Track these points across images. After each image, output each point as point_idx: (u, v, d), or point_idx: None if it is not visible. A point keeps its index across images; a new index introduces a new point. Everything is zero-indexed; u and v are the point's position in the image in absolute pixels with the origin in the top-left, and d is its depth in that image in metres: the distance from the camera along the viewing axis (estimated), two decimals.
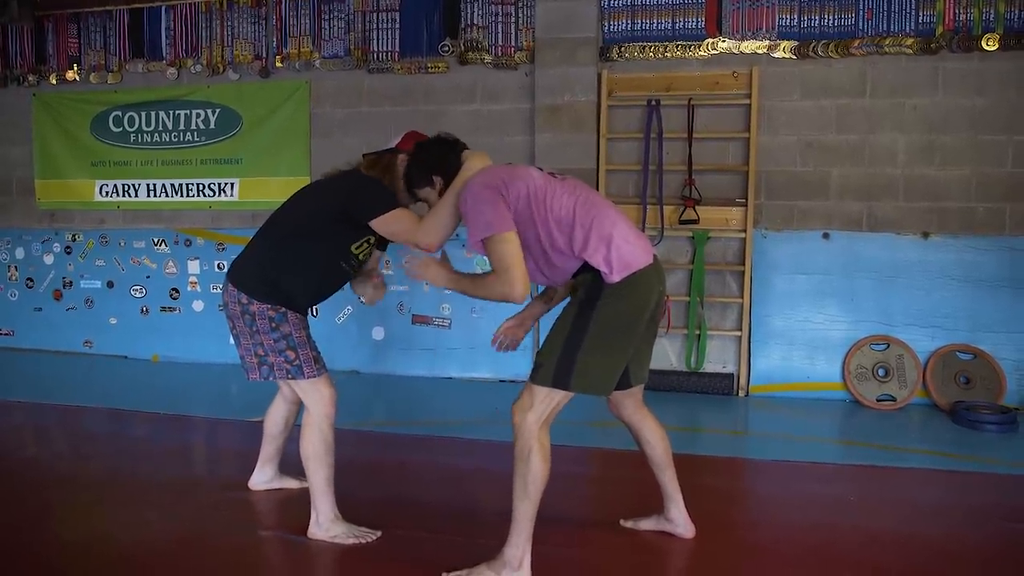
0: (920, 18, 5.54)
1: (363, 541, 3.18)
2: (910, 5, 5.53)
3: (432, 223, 3.02)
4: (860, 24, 5.61)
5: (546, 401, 2.74)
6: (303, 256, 3.20)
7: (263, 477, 3.78)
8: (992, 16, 5.43)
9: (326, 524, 3.22)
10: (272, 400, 3.70)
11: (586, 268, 2.77)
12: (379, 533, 3.23)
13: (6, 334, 7.63)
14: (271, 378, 3.23)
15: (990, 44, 5.43)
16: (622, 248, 2.72)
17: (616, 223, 2.78)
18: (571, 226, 2.75)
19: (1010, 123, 5.49)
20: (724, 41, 5.83)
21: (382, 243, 3.44)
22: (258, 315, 3.16)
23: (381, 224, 3.12)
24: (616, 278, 2.71)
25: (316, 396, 3.22)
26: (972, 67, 5.51)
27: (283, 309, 3.17)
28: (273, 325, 3.16)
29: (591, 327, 2.72)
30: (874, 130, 5.67)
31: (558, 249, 2.78)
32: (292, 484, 3.78)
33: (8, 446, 4.83)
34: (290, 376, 3.19)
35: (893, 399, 5.59)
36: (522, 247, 2.76)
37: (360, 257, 3.32)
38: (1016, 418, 5.10)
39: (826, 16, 5.66)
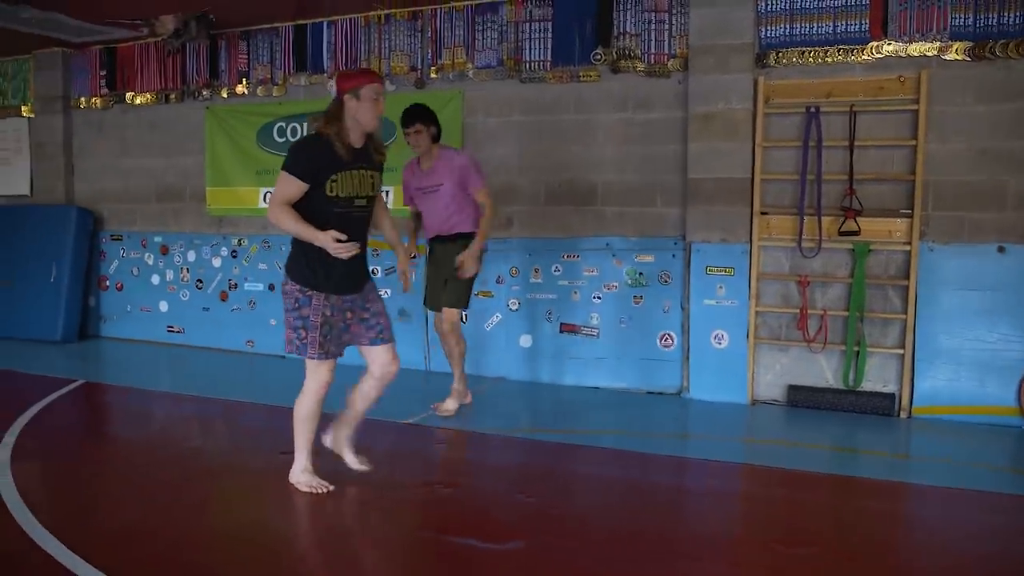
0: None
1: (319, 491, 3.83)
2: None
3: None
4: None
5: None
6: (313, 221, 3.64)
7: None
8: None
9: (298, 472, 3.90)
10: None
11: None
12: (333, 487, 3.84)
13: (177, 331, 8.15)
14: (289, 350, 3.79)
15: None
16: None
17: None
18: None
19: None
20: (890, 44, 5.56)
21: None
22: (287, 294, 3.75)
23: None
24: None
25: (314, 376, 3.78)
26: None
27: (309, 292, 3.67)
28: (296, 304, 3.70)
29: None
30: None
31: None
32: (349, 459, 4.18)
33: (176, 436, 5.19)
34: (297, 352, 3.74)
35: None
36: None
37: (346, 194, 3.67)
38: None
39: (1005, 13, 5.29)
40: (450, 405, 5.48)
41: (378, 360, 3.94)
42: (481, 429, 5.03)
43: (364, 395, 4.03)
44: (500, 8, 6.60)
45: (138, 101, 8.21)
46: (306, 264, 3.70)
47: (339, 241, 3.51)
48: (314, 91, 7.37)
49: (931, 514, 3.94)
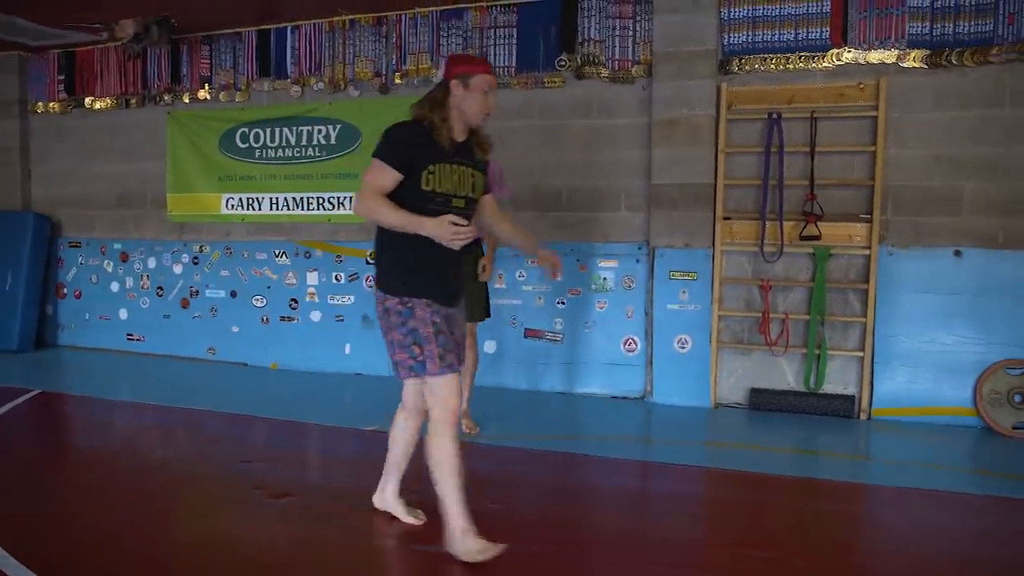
0: None
1: (488, 556, 3.04)
2: None
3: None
4: (1000, 30, 5.32)
5: None
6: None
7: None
8: None
9: (459, 539, 3.08)
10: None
11: None
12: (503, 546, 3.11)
13: (137, 339, 8.02)
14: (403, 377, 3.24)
15: None
16: None
17: None
18: None
19: None
20: (850, 51, 5.64)
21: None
22: (387, 312, 3.17)
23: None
24: None
25: (442, 400, 3.12)
26: None
27: (411, 303, 3.13)
28: (400, 320, 3.14)
29: None
30: (1012, 142, 5.37)
31: None
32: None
33: (136, 446, 5.09)
34: (414, 374, 3.16)
35: None
36: None
37: (443, 190, 3.15)
38: None
39: (961, 23, 5.40)
40: (465, 424, 5.08)
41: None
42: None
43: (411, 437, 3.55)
44: (465, 14, 6.61)
45: (98, 106, 8.09)
46: (404, 270, 3.17)
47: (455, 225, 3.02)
48: (277, 96, 7.32)
49: (890, 515, 3.97)
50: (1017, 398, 5.32)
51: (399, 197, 3.09)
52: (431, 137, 3.14)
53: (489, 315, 5.17)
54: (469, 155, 3.27)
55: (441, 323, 3.16)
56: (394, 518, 3.58)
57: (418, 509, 3.56)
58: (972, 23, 5.40)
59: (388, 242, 3.22)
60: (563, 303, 6.37)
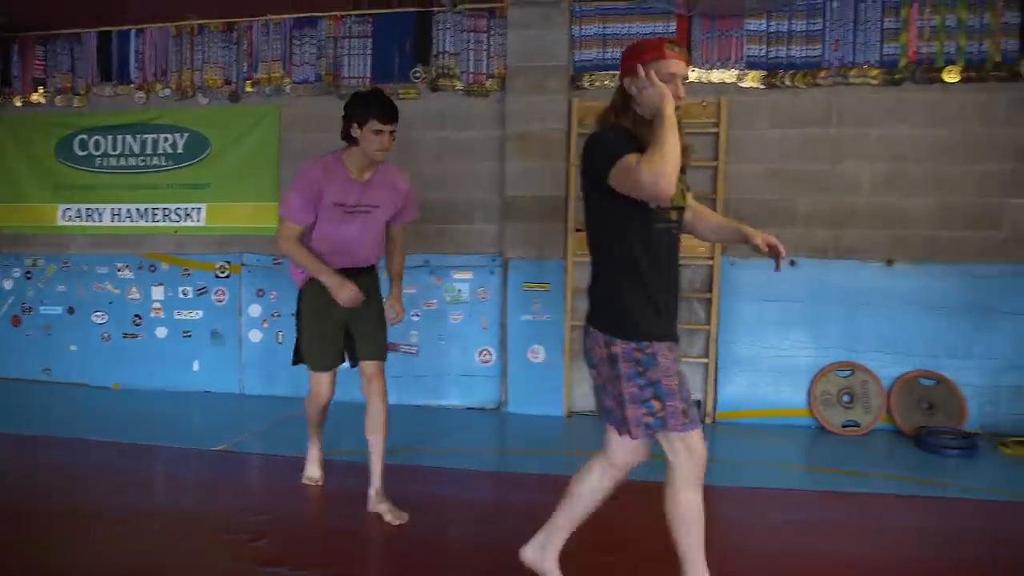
0: (884, 50, 5.65)
1: None
2: (875, 37, 5.64)
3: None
4: (826, 55, 5.71)
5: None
6: (612, 246, 2.72)
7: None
8: (954, 49, 5.55)
9: None
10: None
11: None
12: None
13: None
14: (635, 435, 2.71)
15: (951, 76, 5.55)
16: None
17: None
18: None
19: (971, 153, 5.59)
20: (694, 71, 5.90)
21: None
22: (615, 359, 2.67)
23: (614, 182, 2.59)
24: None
25: (688, 457, 2.68)
26: (934, 98, 5.61)
27: (651, 348, 2.63)
28: (638, 369, 2.65)
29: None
30: (840, 159, 5.74)
31: None
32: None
33: None
34: (650, 433, 2.69)
35: (858, 425, 5.60)
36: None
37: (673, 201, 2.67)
38: (976, 443, 5.15)
39: (793, 47, 5.76)
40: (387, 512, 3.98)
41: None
42: (299, 453, 4.85)
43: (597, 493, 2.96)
44: (319, 23, 6.52)
45: None
46: (637, 302, 2.66)
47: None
48: (120, 102, 6.99)
49: (732, 514, 4.10)
50: (846, 398, 5.65)
51: (622, 217, 2.64)
52: (636, 143, 2.61)
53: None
54: None
55: (681, 371, 2.69)
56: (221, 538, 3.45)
57: None
58: (803, 48, 5.76)
59: (618, 269, 2.70)
60: (418, 315, 6.34)
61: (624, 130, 2.66)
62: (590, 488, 2.93)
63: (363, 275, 3.91)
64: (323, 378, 4.08)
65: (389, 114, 3.60)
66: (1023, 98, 5.51)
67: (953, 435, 5.22)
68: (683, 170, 2.74)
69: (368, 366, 4.03)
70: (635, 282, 2.65)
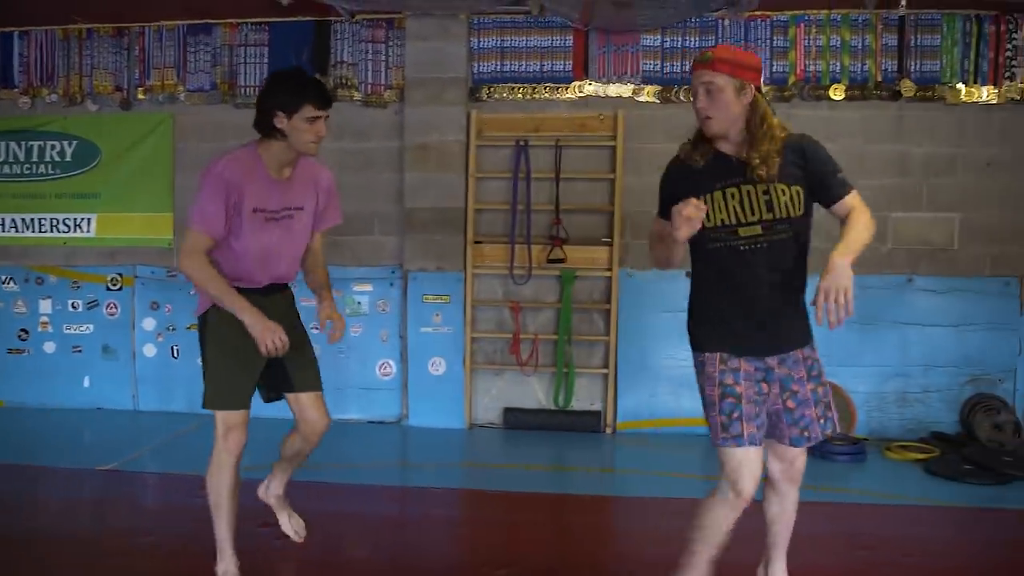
0: (774, 67, 5.80)
1: None
2: (765, 55, 5.78)
3: None
4: None
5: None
6: (692, 266, 2.90)
7: None
8: (838, 68, 5.74)
9: None
10: None
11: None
12: None
13: None
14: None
15: (837, 94, 5.74)
16: None
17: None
18: None
19: (857, 169, 5.74)
20: (591, 84, 5.96)
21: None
22: (695, 364, 2.81)
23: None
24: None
25: (725, 479, 2.69)
26: (822, 115, 5.79)
27: (702, 357, 2.75)
28: (699, 377, 2.78)
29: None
30: None
31: None
32: None
33: None
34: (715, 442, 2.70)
35: None
36: None
37: (727, 217, 2.72)
38: (865, 449, 5.33)
39: (687, 63, 5.85)
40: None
41: (782, 462, 2.85)
42: (193, 471, 4.72)
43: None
44: (214, 30, 6.37)
45: None
46: (700, 315, 2.85)
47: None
48: (3, 108, 6.67)
49: (629, 524, 4.19)
50: None
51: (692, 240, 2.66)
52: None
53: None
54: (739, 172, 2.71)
55: (737, 384, 2.68)
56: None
57: None
58: None
59: (692, 285, 2.92)
60: (317, 329, 6.21)
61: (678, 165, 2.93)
62: (769, 508, 2.99)
63: (277, 294, 3.30)
64: (236, 421, 3.18)
65: (326, 96, 3.06)
66: (902, 116, 5.75)
67: (843, 441, 5.36)
68: (757, 181, 2.70)
69: (307, 399, 3.39)
70: (699, 296, 2.85)
